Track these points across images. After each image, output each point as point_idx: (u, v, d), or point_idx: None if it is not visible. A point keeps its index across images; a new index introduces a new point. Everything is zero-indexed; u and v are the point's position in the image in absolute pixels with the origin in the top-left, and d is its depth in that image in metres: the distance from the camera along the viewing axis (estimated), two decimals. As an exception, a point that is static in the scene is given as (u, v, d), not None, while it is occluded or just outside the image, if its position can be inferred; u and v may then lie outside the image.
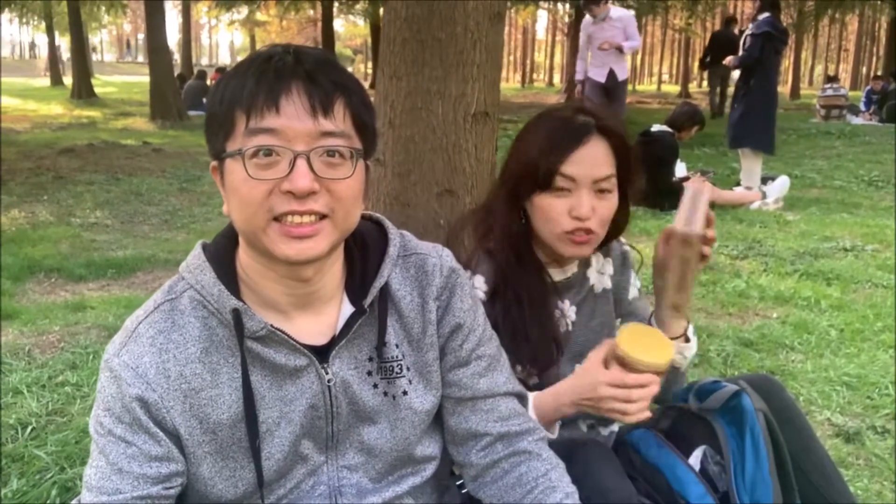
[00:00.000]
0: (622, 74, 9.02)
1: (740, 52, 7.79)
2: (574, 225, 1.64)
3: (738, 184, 7.86)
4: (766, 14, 7.58)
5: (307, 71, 1.14)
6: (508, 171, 1.74)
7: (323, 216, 1.15)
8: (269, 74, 1.13)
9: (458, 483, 1.59)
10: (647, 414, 1.52)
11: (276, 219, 1.14)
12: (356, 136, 1.19)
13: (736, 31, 14.88)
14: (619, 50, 8.67)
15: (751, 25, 7.75)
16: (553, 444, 1.44)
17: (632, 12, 10.07)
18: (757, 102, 7.55)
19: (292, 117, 1.12)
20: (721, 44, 14.72)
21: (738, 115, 7.67)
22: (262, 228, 1.15)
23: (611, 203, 1.67)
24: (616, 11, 8.90)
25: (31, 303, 4.32)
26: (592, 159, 1.63)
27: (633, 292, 1.95)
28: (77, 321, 3.84)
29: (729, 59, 8.13)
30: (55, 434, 2.53)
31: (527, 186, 1.67)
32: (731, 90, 14.51)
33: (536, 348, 1.67)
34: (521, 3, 23.39)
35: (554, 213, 1.65)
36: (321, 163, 1.14)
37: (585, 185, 1.63)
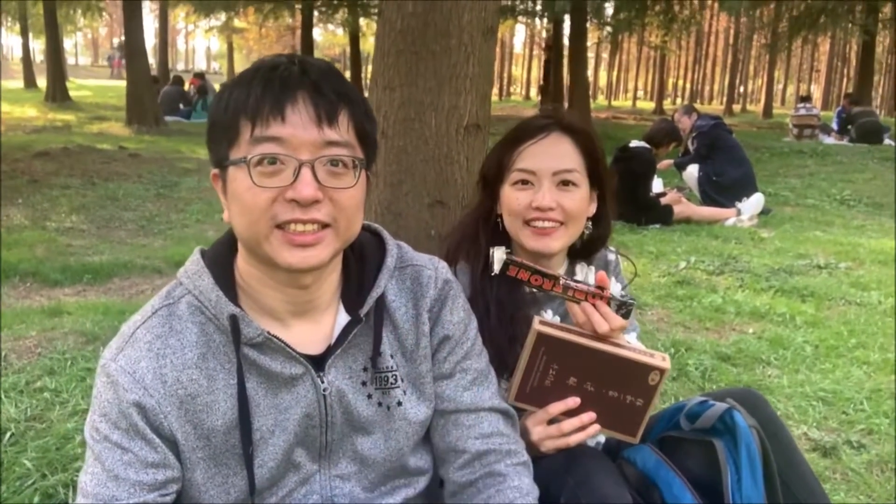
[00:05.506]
0: None
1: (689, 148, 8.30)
2: (535, 214, 1.69)
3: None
4: (694, 115, 8.37)
5: (313, 81, 1.14)
6: (479, 176, 1.86)
7: (325, 225, 1.16)
8: (274, 84, 1.13)
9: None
10: (592, 431, 1.57)
11: (279, 226, 1.14)
12: (359, 146, 1.20)
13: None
14: None
15: (695, 130, 8.16)
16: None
17: None
18: (727, 182, 7.81)
19: (298, 126, 1.12)
20: None
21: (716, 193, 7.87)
22: (264, 236, 1.15)
23: (576, 196, 1.70)
24: None
25: (6, 307, 4.25)
26: (552, 153, 1.70)
27: None
28: (54, 326, 3.77)
29: (668, 163, 8.50)
30: (35, 440, 2.49)
31: (491, 186, 1.78)
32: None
33: (507, 359, 1.63)
34: (499, 16, 23.63)
35: (515, 204, 1.71)
36: (325, 172, 1.14)
37: (546, 177, 1.69)
